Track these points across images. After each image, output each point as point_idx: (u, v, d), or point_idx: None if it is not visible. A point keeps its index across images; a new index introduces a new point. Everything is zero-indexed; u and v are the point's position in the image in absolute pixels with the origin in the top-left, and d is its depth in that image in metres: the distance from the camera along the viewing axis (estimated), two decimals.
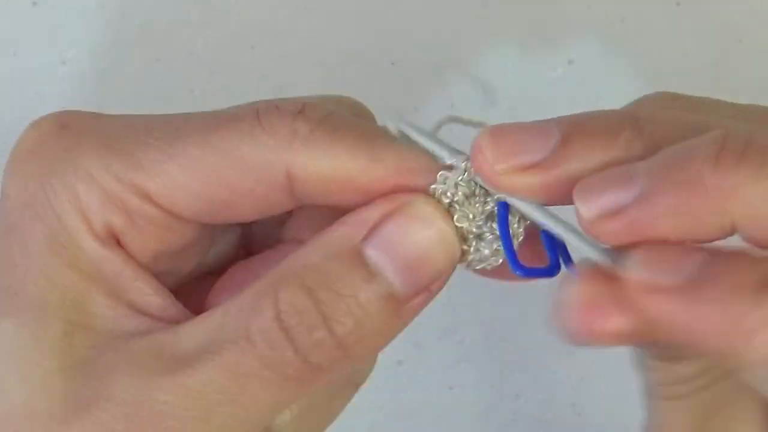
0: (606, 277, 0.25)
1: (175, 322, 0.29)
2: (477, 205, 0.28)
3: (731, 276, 0.23)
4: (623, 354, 0.48)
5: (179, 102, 0.45)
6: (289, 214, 0.32)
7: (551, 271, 0.28)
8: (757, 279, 0.23)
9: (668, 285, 0.24)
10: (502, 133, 0.27)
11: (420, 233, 0.27)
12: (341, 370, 0.27)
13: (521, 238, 0.28)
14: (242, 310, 0.27)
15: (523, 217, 0.28)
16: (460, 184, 0.28)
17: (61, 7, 0.44)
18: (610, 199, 0.25)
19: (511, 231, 0.28)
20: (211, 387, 0.26)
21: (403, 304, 0.27)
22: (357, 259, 0.27)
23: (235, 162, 0.28)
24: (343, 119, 0.28)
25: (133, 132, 0.29)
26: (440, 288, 0.28)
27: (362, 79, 0.45)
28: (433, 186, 0.28)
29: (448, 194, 0.28)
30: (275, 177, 0.28)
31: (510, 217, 0.28)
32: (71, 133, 0.29)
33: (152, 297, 0.29)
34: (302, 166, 0.27)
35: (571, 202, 0.26)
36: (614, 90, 0.45)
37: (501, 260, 0.29)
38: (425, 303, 0.28)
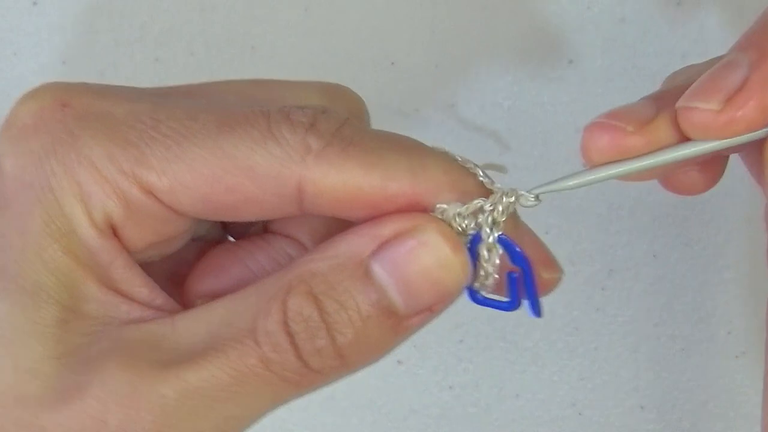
0: None
1: (163, 312, 0.29)
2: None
3: None
4: (623, 354, 0.48)
5: None
6: None
7: (510, 305, 0.29)
8: None
9: None
10: (615, 110, 0.28)
11: (425, 259, 0.28)
12: (337, 377, 0.28)
13: (496, 276, 0.29)
14: (248, 309, 0.27)
15: (492, 258, 0.29)
16: (470, 217, 0.28)
17: (61, 7, 0.44)
18: (724, 83, 0.26)
19: (483, 271, 0.29)
20: (211, 383, 0.27)
21: (403, 321, 0.28)
22: (362, 273, 0.27)
23: (245, 171, 0.28)
24: (355, 131, 0.28)
25: (138, 123, 0.28)
26: (443, 309, 0.28)
27: (362, 79, 0.45)
28: (444, 210, 0.28)
29: (462, 222, 0.28)
30: (285, 189, 0.28)
31: (485, 253, 0.29)
32: (73, 114, 0.28)
33: (141, 288, 0.29)
34: (313, 182, 0.28)
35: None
36: (614, 90, 0.45)
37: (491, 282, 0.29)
38: (426, 321, 0.28)
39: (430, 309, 0.28)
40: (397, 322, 0.28)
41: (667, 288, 0.47)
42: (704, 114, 0.26)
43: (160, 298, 0.29)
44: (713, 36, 0.46)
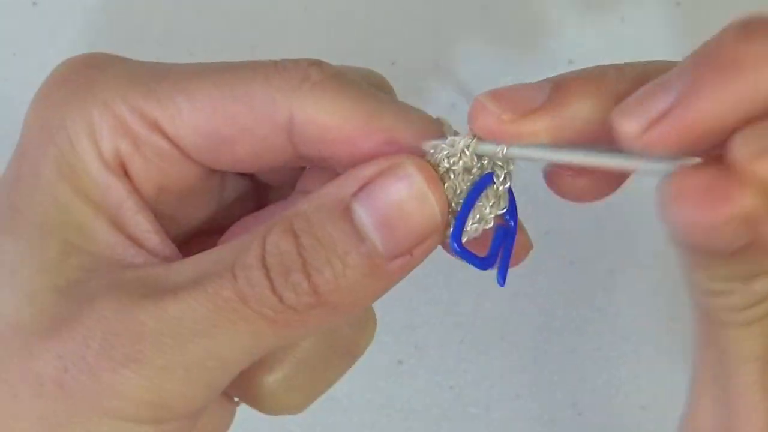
0: (706, 168, 0.25)
1: (158, 256, 0.30)
2: (468, 182, 0.29)
3: None
4: (623, 354, 0.48)
5: None
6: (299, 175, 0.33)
7: (484, 262, 0.29)
8: None
9: None
10: (500, 90, 0.28)
11: (398, 190, 0.28)
12: (318, 321, 0.28)
13: (489, 226, 0.29)
14: (233, 249, 0.28)
15: (498, 204, 0.29)
16: (464, 154, 0.28)
17: (61, 7, 0.44)
18: (651, 107, 0.26)
19: (479, 214, 0.29)
20: (189, 315, 0.27)
21: (383, 265, 0.28)
22: (343, 212, 0.27)
23: (242, 98, 0.29)
24: (354, 79, 0.30)
25: (154, 69, 0.30)
26: (424, 255, 0.28)
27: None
28: (434, 149, 0.28)
29: (449, 161, 0.28)
30: (278, 117, 0.29)
31: (484, 201, 0.29)
32: (97, 68, 0.30)
33: (150, 234, 0.30)
34: (304, 110, 0.29)
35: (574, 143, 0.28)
36: None
37: (474, 235, 0.29)
38: (407, 268, 0.28)
39: (411, 253, 0.28)
40: (376, 265, 0.27)
41: (667, 288, 0.47)
42: (627, 133, 0.26)
43: (168, 249, 0.30)
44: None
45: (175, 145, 0.29)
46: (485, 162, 0.29)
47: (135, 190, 0.30)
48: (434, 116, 0.30)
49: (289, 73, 0.29)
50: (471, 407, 0.48)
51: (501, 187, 0.29)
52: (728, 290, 0.29)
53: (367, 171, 0.28)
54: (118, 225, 0.29)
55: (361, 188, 0.28)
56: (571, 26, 0.45)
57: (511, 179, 0.29)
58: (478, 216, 0.29)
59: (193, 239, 0.33)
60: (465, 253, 0.29)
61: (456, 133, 0.29)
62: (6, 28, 0.45)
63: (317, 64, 0.30)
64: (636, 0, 0.46)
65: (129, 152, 0.29)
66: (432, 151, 0.28)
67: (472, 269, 0.30)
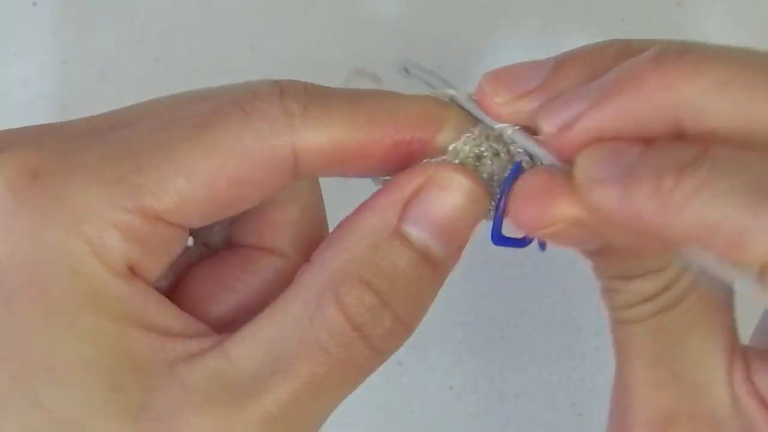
0: (558, 174, 0.27)
1: (200, 338, 0.28)
2: (500, 165, 0.29)
3: (659, 160, 0.25)
4: None
5: None
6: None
7: (523, 241, 0.29)
8: (681, 159, 0.25)
9: (608, 176, 0.26)
10: (500, 71, 0.29)
11: (454, 200, 0.28)
12: (399, 346, 0.28)
13: None
14: (299, 320, 0.27)
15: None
16: (491, 144, 0.29)
17: (62, 7, 0.44)
18: (568, 112, 0.27)
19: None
20: (292, 406, 0.27)
21: (444, 266, 0.28)
22: (401, 240, 0.28)
23: (240, 157, 0.27)
24: (322, 89, 0.29)
25: (117, 159, 0.27)
26: (467, 242, 0.29)
27: (362, 79, 0.45)
28: (454, 145, 0.29)
29: (477, 150, 0.29)
30: (282, 160, 0.28)
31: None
32: (47, 180, 0.27)
33: (174, 317, 0.28)
34: (306, 143, 0.28)
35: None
36: None
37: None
38: (458, 259, 0.29)
39: (460, 246, 0.29)
40: (440, 271, 0.28)
41: None
42: (545, 133, 0.27)
43: (189, 321, 0.28)
44: (712, 36, 0.46)
45: (181, 226, 0.28)
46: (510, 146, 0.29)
47: (149, 285, 0.28)
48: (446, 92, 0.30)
49: (270, 114, 0.28)
50: (470, 407, 0.48)
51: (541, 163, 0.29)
52: (614, 288, 0.30)
53: (403, 192, 0.28)
54: (146, 326, 0.27)
55: (405, 210, 0.28)
56: (571, 26, 0.45)
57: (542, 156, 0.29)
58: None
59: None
60: (507, 242, 0.29)
61: (470, 98, 0.29)
62: (6, 28, 0.45)
63: (286, 93, 0.28)
64: (636, 0, 0.46)
65: (137, 253, 0.27)
66: (451, 149, 0.29)
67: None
